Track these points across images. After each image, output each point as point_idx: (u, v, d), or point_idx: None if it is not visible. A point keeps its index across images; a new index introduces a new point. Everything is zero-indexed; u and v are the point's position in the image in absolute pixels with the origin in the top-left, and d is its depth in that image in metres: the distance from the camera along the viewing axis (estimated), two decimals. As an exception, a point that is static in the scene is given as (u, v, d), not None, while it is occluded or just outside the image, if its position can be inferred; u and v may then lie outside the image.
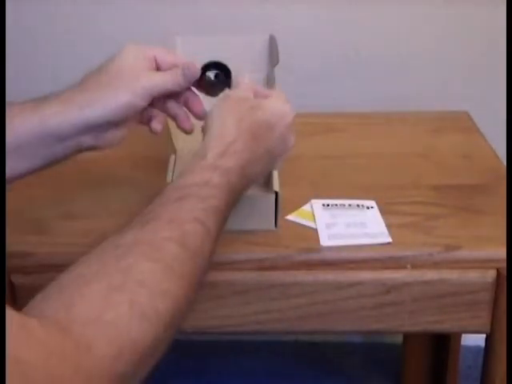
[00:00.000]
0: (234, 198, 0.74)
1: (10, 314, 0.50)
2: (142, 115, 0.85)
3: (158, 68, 0.84)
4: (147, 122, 0.86)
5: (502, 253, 0.84)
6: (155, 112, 0.85)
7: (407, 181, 1.01)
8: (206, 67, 0.87)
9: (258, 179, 0.80)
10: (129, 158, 1.09)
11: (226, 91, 0.85)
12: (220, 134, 0.76)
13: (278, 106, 0.81)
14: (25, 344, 0.50)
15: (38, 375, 0.50)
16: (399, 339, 1.49)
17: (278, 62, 0.98)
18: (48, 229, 0.91)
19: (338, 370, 1.59)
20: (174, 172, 0.93)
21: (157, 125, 0.86)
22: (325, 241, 0.86)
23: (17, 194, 0.97)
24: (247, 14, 1.32)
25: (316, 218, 0.91)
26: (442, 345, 1.37)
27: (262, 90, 0.84)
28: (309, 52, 1.34)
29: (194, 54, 1.04)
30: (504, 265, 0.83)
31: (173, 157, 0.98)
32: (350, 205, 0.93)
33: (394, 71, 1.36)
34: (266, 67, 1.03)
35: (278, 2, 1.32)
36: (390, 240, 0.86)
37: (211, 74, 0.87)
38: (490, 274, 0.84)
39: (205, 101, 0.88)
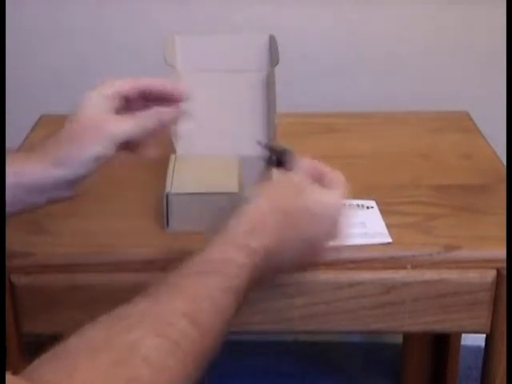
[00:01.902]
0: (256, 280, 0.70)
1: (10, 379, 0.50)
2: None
3: (127, 101, 0.82)
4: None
5: (501, 253, 0.84)
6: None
7: (407, 181, 1.01)
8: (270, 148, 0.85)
9: (288, 267, 0.75)
10: (129, 158, 1.08)
11: (281, 171, 0.81)
12: (252, 211, 0.73)
13: (328, 198, 0.76)
14: None
15: None
16: (399, 339, 1.49)
17: (278, 62, 0.98)
18: (48, 229, 0.91)
19: (338, 369, 1.59)
20: (173, 173, 0.93)
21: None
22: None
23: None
24: (247, 14, 1.32)
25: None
26: (442, 345, 1.37)
27: (324, 177, 0.79)
28: (309, 52, 1.34)
29: (194, 54, 1.04)
30: (504, 265, 0.83)
31: (173, 157, 0.97)
32: (349, 205, 0.93)
33: (394, 71, 1.36)
34: (266, 67, 1.03)
35: (278, 2, 1.32)
36: (389, 240, 0.86)
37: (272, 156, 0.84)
38: (490, 274, 0.84)
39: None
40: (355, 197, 0.94)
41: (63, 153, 0.78)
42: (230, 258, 0.68)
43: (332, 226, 0.75)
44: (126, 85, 0.82)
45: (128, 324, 0.60)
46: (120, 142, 0.79)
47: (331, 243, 0.76)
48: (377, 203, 0.93)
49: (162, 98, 0.83)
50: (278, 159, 0.83)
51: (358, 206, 0.93)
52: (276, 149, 0.84)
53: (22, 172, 0.77)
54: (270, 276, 0.75)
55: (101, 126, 0.78)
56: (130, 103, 0.82)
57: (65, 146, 0.78)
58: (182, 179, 0.92)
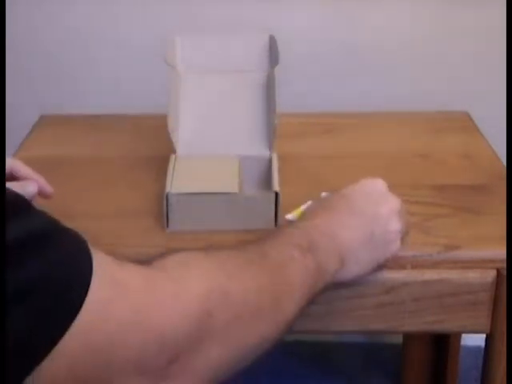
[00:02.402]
0: (325, 248, 0.72)
1: (105, 255, 0.56)
2: None
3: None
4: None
5: (502, 253, 0.83)
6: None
7: (407, 181, 1.01)
8: None
9: (354, 248, 0.76)
10: (129, 157, 1.09)
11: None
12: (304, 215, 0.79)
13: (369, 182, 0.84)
14: (127, 274, 0.56)
15: (141, 299, 0.55)
16: (399, 339, 1.49)
17: (277, 63, 0.98)
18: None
19: (338, 369, 1.59)
20: (173, 173, 0.93)
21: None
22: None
23: (17, 193, 0.97)
24: (247, 14, 1.32)
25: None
26: (441, 345, 1.37)
27: None
28: (309, 52, 1.34)
29: (194, 54, 1.04)
30: (504, 265, 0.83)
31: (173, 157, 0.98)
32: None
33: (394, 71, 1.36)
34: (266, 67, 1.03)
35: (278, 2, 1.32)
36: None
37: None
38: (490, 274, 0.84)
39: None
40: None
41: None
42: (286, 231, 0.73)
43: (386, 201, 0.80)
44: (22, 170, 0.84)
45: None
46: None
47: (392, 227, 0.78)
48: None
49: None
50: None
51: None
52: None
53: None
54: (351, 260, 0.76)
55: None
56: None
57: None
58: (182, 179, 0.92)
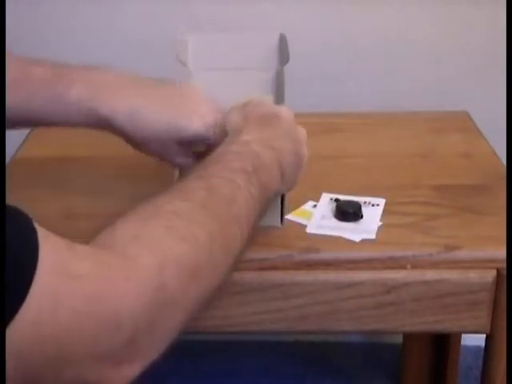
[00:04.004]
0: (266, 165, 0.74)
1: (53, 238, 0.56)
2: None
3: None
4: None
5: (502, 253, 0.84)
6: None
7: (407, 181, 1.01)
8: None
9: (288, 154, 0.79)
10: (129, 157, 1.09)
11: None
12: (229, 130, 0.78)
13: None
14: (76, 260, 0.55)
15: (92, 285, 0.54)
16: (399, 339, 1.49)
17: (288, 61, 0.99)
18: (48, 229, 0.90)
19: (338, 369, 1.59)
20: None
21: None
22: (311, 229, 0.88)
23: (17, 194, 0.97)
24: (246, 13, 1.32)
25: (316, 208, 0.92)
26: (441, 345, 1.37)
27: None
28: (309, 52, 1.34)
29: (204, 52, 1.05)
30: (504, 265, 0.83)
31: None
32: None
33: (394, 71, 1.36)
34: (276, 66, 1.03)
35: (278, 2, 1.32)
36: (373, 237, 0.87)
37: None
38: (490, 274, 0.84)
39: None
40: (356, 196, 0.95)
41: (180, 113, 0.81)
42: (225, 150, 0.73)
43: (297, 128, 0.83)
44: None
45: (150, 200, 0.65)
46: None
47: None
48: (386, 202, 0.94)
49: None
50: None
51: (365, 202, 0.93)
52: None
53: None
54: (287, 168, 0.78)
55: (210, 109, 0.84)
56: None
57: (178, 106, 0.82)
58: None
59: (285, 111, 0.83)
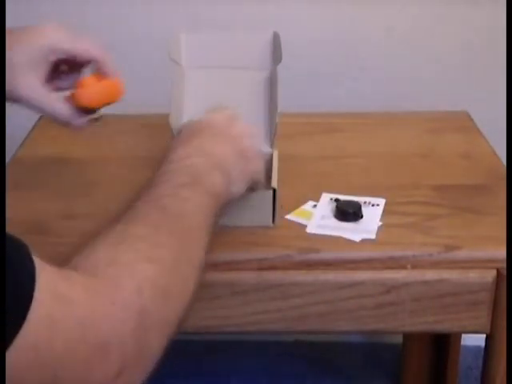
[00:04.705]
0: (205, 171, 0.75)
1: (49, 268, 0.56)
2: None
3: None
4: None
5: (502, 253, 0.84)
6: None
7: (407, 181, 1.01)
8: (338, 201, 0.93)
9: (226, 155, 0.80)
10: (128, 158, 1.09)
11: None
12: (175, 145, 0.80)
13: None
14: (69, 287, 0.56)
15: (84, 310, 0.56)
16: (399, 339, 1.49)
17: (281, 60, 0.99)
18: (48, 229, 0.91)
19: (338, 369, 1.59)
20: None
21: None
22: (311, 229, 0.88)
23: (17, 194, 0.97)
24: (246, 13, 1.32)
25: (316, 208, 0.92)
26: (441, 345, 1.37)
27: None
28: (309, 52, 1.34)
29: (198, 51, 1.05)
30: (504, 265, 0.83)
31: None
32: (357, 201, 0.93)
33: (394, 71, 1.36)
34: (270, 65, 1.03)
35: (278, 2, 1.32)
36: (372, 237, 0.87)
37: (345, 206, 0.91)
38: (490, 274, 0.84)
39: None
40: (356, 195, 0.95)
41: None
42: (161, 172, 0.75)
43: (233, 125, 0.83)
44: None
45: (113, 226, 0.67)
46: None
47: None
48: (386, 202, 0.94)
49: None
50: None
51: (365, 202, 0.93)
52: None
53: None
54: (229, 169, 0.79)
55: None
56: None
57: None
58: None
59: (216, 116, 0.84)
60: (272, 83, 1.02)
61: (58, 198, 0.98)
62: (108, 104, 0.87)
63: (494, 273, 0.84)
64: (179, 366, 1.51)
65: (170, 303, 0.63)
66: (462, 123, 1.20)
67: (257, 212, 0.88)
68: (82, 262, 0.61)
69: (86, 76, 0.87)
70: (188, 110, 1.02)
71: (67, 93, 0.86)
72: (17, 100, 0.82)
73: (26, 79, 0.82)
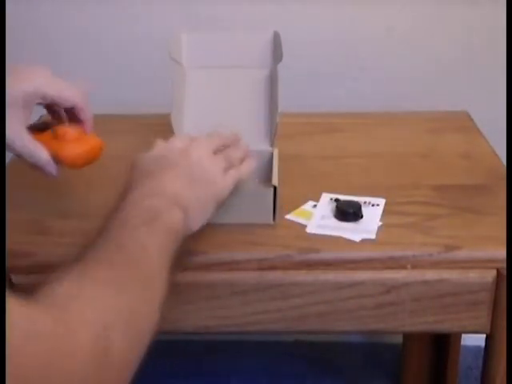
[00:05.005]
0: (157, 213, 0.74)
1: (18, 302, 0.56)
2: None
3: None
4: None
5: (502, 253, 0.84)
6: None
7: (407, 181, 1.01)
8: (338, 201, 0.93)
9: (184, 189, 0.79)
10: (128, 158, 1.09)
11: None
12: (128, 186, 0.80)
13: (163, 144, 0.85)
14: (38, 320, 0.56)
15: (52, 343, 0.56)
16: (399, 339, 1.49)
17: (281, 59, 0.99)
18: (48, 229, 0.91)
19: (338, 369, 1.59)
20: None
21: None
22: (311, 229, 0.88)
23: (17, 194, 0.97)
24: (247, 13, 1.32)
25: (316, 208, 0.92)
26: (441, 345, 1.37)
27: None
28: (309, 51, 1.34)
29: (198, 50, 1.05)
30: (504, 265, 0.83)
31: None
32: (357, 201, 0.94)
33: (394, 71, 1.36)
34: (270, 64, 1.04)
35: (278, 2, 1.32)
36: (372, 237, 0.87)
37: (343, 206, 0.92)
38: (490, 274, 0.84)
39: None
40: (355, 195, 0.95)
41: None
42: (115, 216, 0.75)
43: (189, 152, 0.82)
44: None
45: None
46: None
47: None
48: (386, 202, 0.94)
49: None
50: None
51: (365, 202, 0.93)
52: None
53: None
54: (189, 203, 0.78)
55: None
56: None
57: None
58: None
59: (171, 145, 0.84)
60: (272, 82, 1.02)
61: (58, 198, 0.98)
62: (88, 164, 0.89)
63: (494, 273, 0.84)
64: (179, 366, 1.50)
65: (131, 343, 0.64)
66: (462, 123, 1.20)
67: (257, 209, 0.88)
68: (47, 298, 0.61)
69: (65, 127, 0.89)
70: (189, 109, 1.02)
71: (44, 144, 0.87)
72: None
73: (10, 123, 0.83)
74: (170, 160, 0.81)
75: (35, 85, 0.84)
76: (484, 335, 0.88)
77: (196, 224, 0.79)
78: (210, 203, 0.81)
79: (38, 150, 0.86)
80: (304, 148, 1.12)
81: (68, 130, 0.88)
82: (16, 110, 0.83)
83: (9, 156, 1.05)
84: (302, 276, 0.84)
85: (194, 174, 0.80)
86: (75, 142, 0.88)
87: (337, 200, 0.93)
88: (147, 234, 0.72)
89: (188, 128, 1.01)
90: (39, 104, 0.88)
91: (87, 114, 0.89)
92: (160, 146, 0.84)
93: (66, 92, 0.87)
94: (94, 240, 0.71)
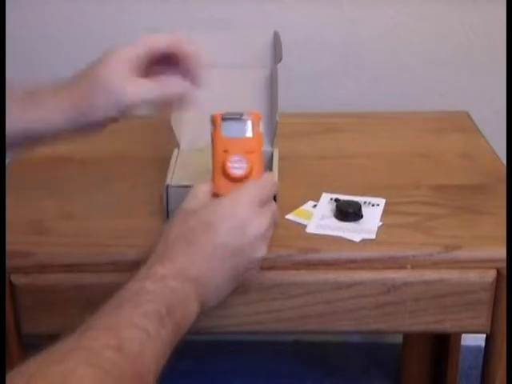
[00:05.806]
0: (182, 301, 0.71)
1: None
2: None
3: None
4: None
5: (502, 253, 0.84)
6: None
7: (407, 181, 1.01)
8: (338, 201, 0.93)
9: (213, 278, 0.74)
10: (129, 158, 1.09)
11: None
12: (156, 248, 0.75)
13: (225, 207, 0.75)
14: None
15: None
16: (399, 339, 1.49)
17: (281, 59, 0.99)
18: (48, 229, 0.91)
19: (338, 370, 1.59)
20: (175, 166, 0.94)
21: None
22: (311, 229, 0.88)
23: (17, 194, 0.97)
24: (246, 13, 1.32)
25: (316, 208, 0.92)
26: (441, 345, 1.37)
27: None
28: (309, 52, 1.34)
29: (198, 49, 1.05)
30: (504, 265, 0.83)
31: (176, 151, 0.98)
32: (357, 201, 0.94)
33: (394, 71, 1.36)
34: (270, 64, 1.04)
35: (278, 2, 1.32)
36: (372, 237, 0.87)
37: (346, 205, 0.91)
38: (490, 274, 0.84)
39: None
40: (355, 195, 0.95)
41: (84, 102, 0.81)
42: (139, 289, 0.69)
43: (234, 228, 0.74)
44: (150, 48, 0.85)
45: (57, 358, 0.60)
46: (133, 106, 0.82)
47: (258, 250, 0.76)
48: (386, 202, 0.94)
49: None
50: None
51: (365, 202, 0.93)
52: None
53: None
54: (210, 295, 0.74)
55: (113, 91, 0.80)
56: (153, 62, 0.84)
57: (85, 98, 0.81)
58: (183, 172, 0.92)
59: (224, 218, 0.75)
60: (272, 82, 1.02)
61: (58, 198, 0.98)
62: None
63: (494, 273, 0.84)
64: (179, 366, 1.50)
65: None
66: (462, 123, 1.20)
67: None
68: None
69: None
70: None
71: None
72: (124, 109, 0.82)
73: (130, 81, 0.81)
74: (209, 235, 0.74)
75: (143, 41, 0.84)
76: (484, 335, 0.88)
77: (213, 303, 0.76)
78: (229, 290, 0.77)
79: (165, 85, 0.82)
80: (304, 148, 1.12)
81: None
82: (132, 70, 0.82)
83: (9, 156, 1.05)
84: (302, 276, 0.84)
85: (238, 264, 0.75)
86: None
87: (337, 200, 0.93)
88: (155, 324, 0.66)
89: (187, 128, 1.01)
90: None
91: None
92: (189, 214, 0.76)
93: (172, 37, 0.84)
94: (99, 314, 0.66)
